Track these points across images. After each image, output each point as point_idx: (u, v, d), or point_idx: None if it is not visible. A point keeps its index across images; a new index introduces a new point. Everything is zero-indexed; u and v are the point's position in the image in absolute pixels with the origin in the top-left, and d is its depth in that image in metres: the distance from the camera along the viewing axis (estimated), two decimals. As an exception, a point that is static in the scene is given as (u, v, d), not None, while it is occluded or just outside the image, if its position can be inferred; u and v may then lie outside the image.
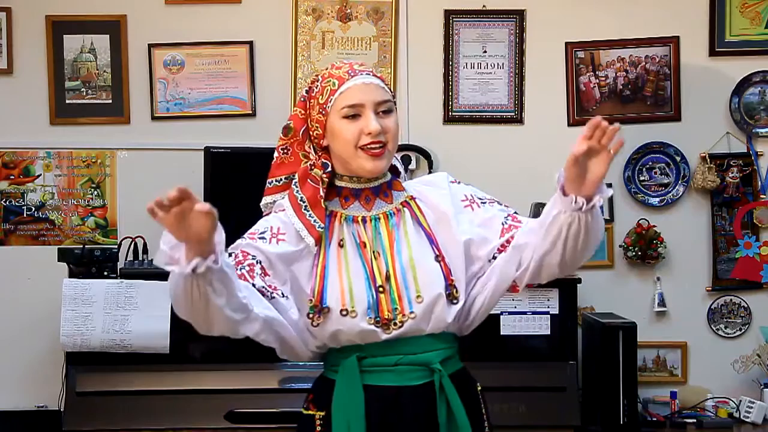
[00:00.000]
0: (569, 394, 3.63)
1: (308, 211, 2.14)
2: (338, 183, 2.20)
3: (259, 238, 2.14)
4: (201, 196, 3.74)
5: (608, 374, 3.62)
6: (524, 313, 3.66)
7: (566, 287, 3.70)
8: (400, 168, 2.27)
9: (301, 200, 2.16)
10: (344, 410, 2.08)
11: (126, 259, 3.77)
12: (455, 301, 2.12)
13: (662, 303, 4.05)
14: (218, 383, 3.55)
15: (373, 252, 2.13)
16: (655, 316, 4.08)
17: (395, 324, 2.09)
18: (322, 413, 2.14)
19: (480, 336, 3.68)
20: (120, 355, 3.55)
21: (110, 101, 4.04)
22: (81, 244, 3.90)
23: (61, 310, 3.54)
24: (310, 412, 2.18)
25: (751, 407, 3.84)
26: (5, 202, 4.02)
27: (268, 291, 2.08)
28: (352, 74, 2.15)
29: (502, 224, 2.18)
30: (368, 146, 2.11)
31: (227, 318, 1.95)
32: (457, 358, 2.21)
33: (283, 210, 2.18)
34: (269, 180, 2.24)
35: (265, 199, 2.25)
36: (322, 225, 2.13)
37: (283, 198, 2.20)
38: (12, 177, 4.03)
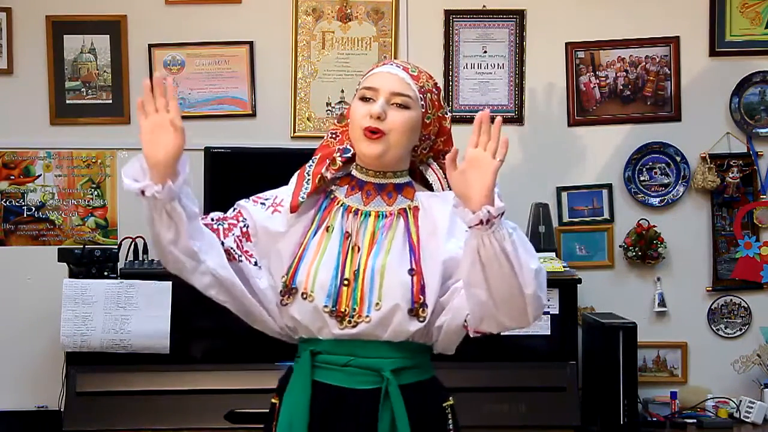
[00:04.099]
0: (569, 394, 3.63)
1: (308, 184, 2.17)
2: (352, 171, 2.21)
3: (261, 203, 2.20)
4: (201, 197, 3.76)
5: (608, 374, 3.62)
6: (524, 313, 3.65)
7: (566, 287, 3.70)
8: (436, 185, 2.21)
9: (307, 173, 2.19)
10: (292, 403, 2.09)
11: (126, 259, 3.77)
12: (421, 319, 2.06)
13: (662, 303, 4.05)
14: (218, 383, 3.55)
15: (354, 246, 2.12)
16: (655, 316, 4.08)
17: (349, 322, 2.07)
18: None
19: (480, 336, 3.71)
20: (120, 355, 3.55)
21: (110, 101, 4.04)
22: (81, 244, 3.90)
23: (61, 310, 3.54)
24: (273, 400, 2.19)
25: (751, 407, 3.84)
26: (5, 202, 4.02)
27: (236, 253, 2.13)
28: (384, 64, 2.19)
29: None
30: (367, 128, 2.11)
31: (176, 258, 2.04)
32: (425, 369, 2.14)
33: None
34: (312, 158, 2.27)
35: None
36: (305, 197, 2.15)
37: None
38: (12, 177, 4.03)
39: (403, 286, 2.06)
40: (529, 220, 3.94)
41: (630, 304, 3.99)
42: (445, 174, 2.20)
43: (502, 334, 3.66)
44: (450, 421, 2.15)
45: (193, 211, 2.04)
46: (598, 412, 3.66)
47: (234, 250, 2.12)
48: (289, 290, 2.11)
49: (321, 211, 2.17)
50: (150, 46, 4.03)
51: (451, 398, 2.18)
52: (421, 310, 2.06)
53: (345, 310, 2.07)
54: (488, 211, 1.88)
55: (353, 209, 2.16)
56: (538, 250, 3.79)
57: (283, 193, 2.20)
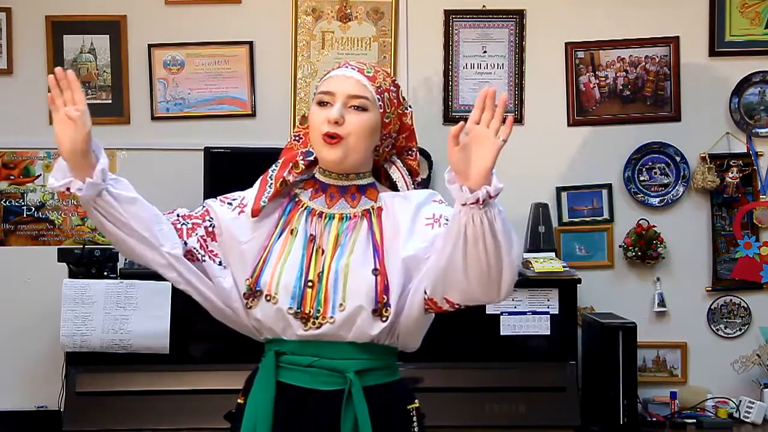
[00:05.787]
0: (569, 394, 3.63)
1: (270, 188, 2.17)
2: (315, 174, 2.21)
3: (228, 203, 2.21)
4: (201, 196, 3.76)
5: (608, 374, 3.62)
6: (524, 313, 3.66)
7: (566, 287, 3.70)
8: (400, 182, 2.21)
9: (270, 177, 2.19)
10: (256, 404, 2.09)
11: (126, 259, 3.77)
12: (384, 319, 2.05)
13: (662, 303, 4.05)
14: (218, 383, 3.54)
15: (318, 248, 2.11)
16: (655, 316, 4.08)
17: (313, 323, 2.06)
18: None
19: (480, 336, 3.71)
20: (120, 355, 3.55)
21: (110, 101, 4.04)
22: (81, 244, 3.90)
23: (61, 310, 3.54)
24: (239, 400, 2.19)
25: (751, 407, 3.84)
26: (5, 202, 4.02)
27: (199, 253, 2.14)
28: (340, 66, 2.18)
29: None
30: (325, 134, 2.10)
31: (131, 249, 2.09)
32: (390, 371, 2.13)
33: None
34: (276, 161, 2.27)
35: None
36: (266, 201, 2.15)
37: None
38: (12, 177, 4.03)
39: (367, 286, 2.05)
40: (529, 220, 3.94)
41: (630, 304, 3.99)
42: (409, 171, 2.23)
43: (501, 334, 3.70)
44: (415, 424, 2.13)
45: (127, 197, 2.08)
46: (598, 412, 3.66)
47: (197, 251, 2.14)
48: (253, 293, 2.10)
49: (285, 214, 2.17)
50: (150, 46, 4.03)
51: (416, 401, 2.16)
52: (384, 309, 2.05)
53: (309, 311, 2.06)
54: (487, 191, 1.85)
55: (317, 212, 2.16)
56: (538, 250, 3.85)
57: (250, 195, 2.20)
